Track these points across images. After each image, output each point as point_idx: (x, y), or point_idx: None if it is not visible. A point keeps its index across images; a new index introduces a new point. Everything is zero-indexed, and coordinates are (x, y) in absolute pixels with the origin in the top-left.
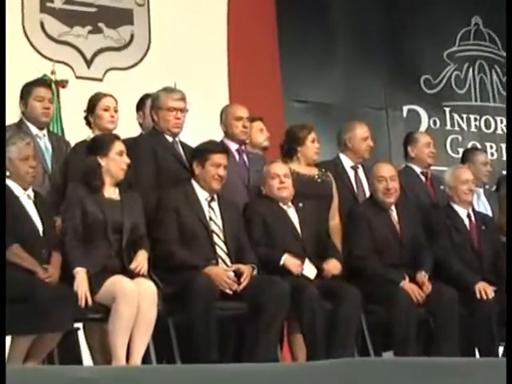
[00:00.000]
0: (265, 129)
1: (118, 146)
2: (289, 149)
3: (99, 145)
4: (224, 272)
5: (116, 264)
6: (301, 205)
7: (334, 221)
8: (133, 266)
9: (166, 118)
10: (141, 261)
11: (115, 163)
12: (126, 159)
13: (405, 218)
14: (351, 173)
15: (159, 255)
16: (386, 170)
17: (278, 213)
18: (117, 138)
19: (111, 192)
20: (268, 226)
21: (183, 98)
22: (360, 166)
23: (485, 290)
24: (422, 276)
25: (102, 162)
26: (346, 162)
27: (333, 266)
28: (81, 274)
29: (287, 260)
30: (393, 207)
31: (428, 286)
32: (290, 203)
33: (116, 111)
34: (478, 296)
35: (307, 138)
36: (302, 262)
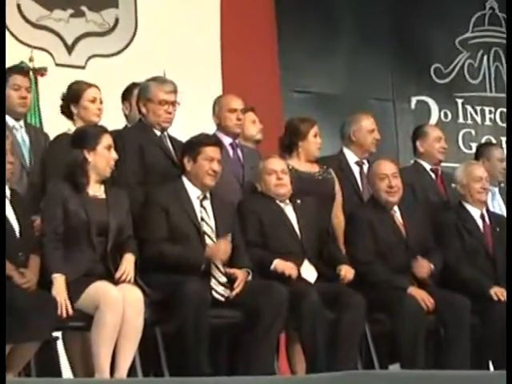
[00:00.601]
0: (257, 120)
1: (107, 140)
2: (289, 143)
3: (86, 137)
4: (224, 243)
5: (100, 269)
6: (299, 201)
7: (338, 219)
8: (118, 275)
9: (156, 112)
10: (127, 267)
11: (103, 158)
12: (114, 155)
13: (410, 218)
14: (356, 169)
15: (147, 257)
16: (388, 167)
17: (274, 211)
18: (105, 130)
19: (96, 189)
20: (264, 225)
21: (175, 91)
22: (365, 162)
23: (501, 293)
24: (425, 261)
25: (89, 156)
26: (351, 157)
27: (348, 272)
28: (59, 281)
29: (279, 264)
30: (396, 208)
31: (425, 266)
32: (287, 200)
33: (101, 102)
34: (495, 298)
35: (309, 132)
36: (301, 264)
